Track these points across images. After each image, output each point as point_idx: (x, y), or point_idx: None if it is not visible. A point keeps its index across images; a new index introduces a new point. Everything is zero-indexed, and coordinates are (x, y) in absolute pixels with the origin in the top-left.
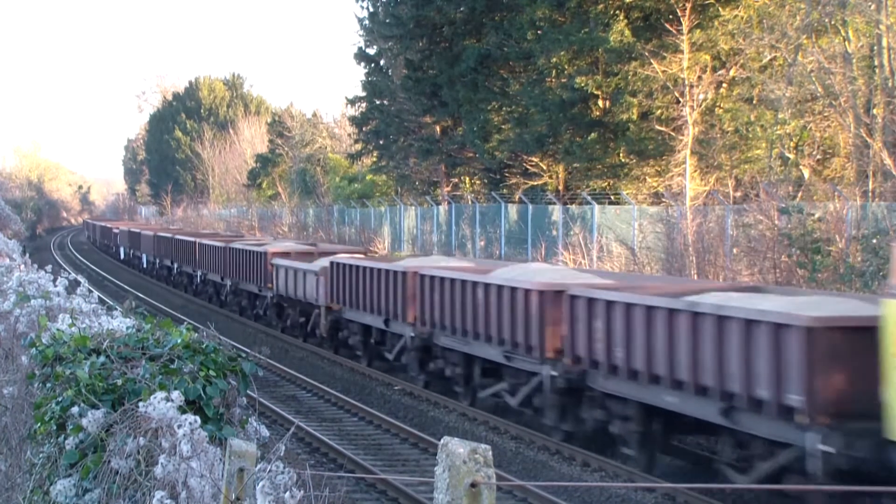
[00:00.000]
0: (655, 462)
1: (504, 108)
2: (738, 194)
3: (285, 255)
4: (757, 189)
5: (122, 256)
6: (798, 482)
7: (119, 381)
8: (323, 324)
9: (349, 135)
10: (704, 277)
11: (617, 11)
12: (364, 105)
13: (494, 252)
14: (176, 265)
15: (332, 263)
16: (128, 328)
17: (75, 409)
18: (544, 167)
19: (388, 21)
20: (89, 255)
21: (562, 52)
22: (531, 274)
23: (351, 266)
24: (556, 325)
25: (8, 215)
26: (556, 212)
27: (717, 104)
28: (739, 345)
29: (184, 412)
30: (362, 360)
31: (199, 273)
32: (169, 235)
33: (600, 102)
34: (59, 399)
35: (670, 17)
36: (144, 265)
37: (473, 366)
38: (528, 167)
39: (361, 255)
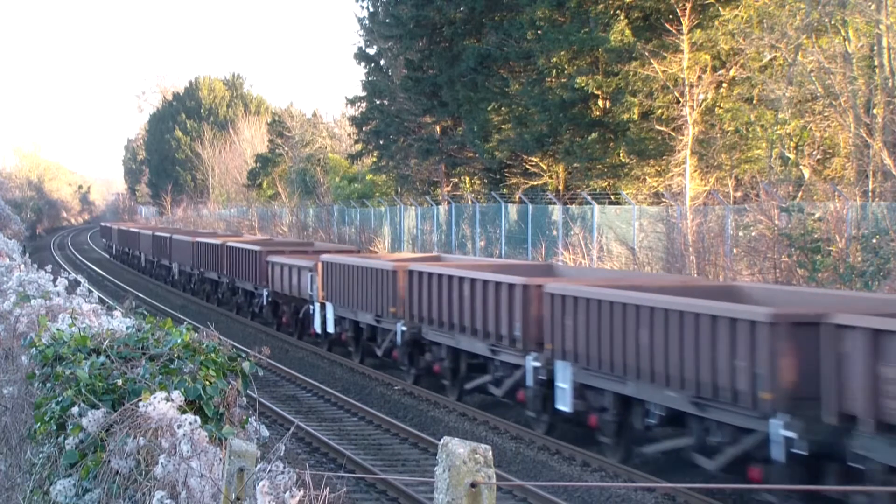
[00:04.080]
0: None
1: (504, 108)
2: (738, 194)
3: None
4: (757, 189)
5: (326, 330)
6: None
7: (119, 381)
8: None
9: (349, 135)
10: (704, 277)
11: (617, 11)
12: (364, 105)
13: (494, 252)
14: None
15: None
16: (128, 328)
17: (75, 409)
18: (544, 167)
19: (388, 21)
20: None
21: (562, 52)
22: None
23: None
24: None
25: (8, 215)
26: (557, 212)
27: (717, 104)
28: None
29: (184, 412)
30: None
31: None
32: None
33: (600, 102)
34: (59, 399)
35: (670, 17)
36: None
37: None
38: (528, 167)
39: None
